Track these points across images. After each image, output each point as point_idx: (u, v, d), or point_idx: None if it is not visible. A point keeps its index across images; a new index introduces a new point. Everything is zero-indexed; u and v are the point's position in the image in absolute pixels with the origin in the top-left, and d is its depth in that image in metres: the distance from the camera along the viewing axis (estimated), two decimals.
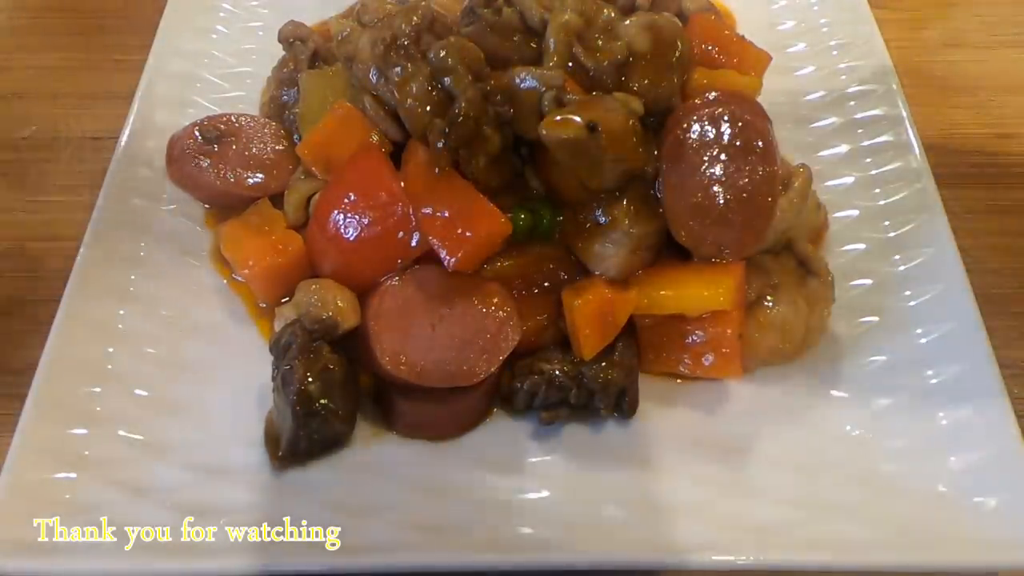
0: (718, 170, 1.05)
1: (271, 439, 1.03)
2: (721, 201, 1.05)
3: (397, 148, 1.16)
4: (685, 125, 1.07)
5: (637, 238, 1.07)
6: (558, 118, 1.03)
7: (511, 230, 1.06)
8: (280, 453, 1.01)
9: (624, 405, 1.06)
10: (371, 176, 1.10)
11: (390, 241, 1.08)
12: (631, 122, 1.06)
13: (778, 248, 1.14)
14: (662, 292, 1.08)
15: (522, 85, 1.07)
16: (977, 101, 1.51)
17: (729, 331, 1.07)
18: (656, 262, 1.12)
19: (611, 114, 1.05)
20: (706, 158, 1.06)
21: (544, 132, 1.04)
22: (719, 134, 1.06)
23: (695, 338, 1.08)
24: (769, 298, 1.10)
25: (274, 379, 1.03)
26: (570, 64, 1.11)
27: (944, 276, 1.16)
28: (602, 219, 1.08)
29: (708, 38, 1.23)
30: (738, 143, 1.06)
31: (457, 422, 1.06)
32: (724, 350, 1.07)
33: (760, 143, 1.06)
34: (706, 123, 1.07)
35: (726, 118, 1.06)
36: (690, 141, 1.07)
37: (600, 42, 1.11)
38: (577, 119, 1.02)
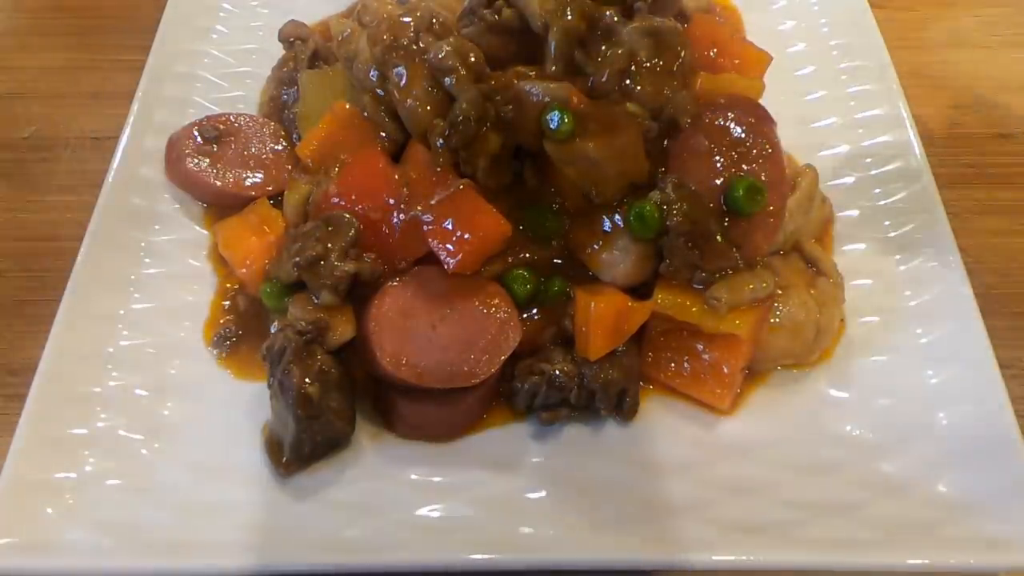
0: (726, 175, 1.05)
1: (272, 447, 1.03)
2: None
3: (397, 148, 1.16)
4: (692, 132, 1.07)
5: (644, 246, 1.07)
6: (564, 128, 1.02)
7: (511, 232, 1.05)
8: (285, 459, 1.01)
9: (625, 406, 1.06)
10: (371, 176, 1.10)
11: (390, 242, 1.09)
12: (639, 136, 1.06)
13: (786, 248, 1.14)
14: (686, 300, 1.06)
15: (527, 95, 1.06)
16: (977, 101, 1.51)
17: (734, 362, 1.06)
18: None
19: (619, 127, 1.05)
20: (713, 164, 1.06)
21: (550, 148, 1.04)
22: (726, 140, 1.06)
23: (700, 355, 1.08)
24: (779, 299, 1.10)
25: (270, 386, 1.03)
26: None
27: (944, 276, 1.16)
28: (608, 227, 1.08)
29: (709, 39, 1.22)
30: (744, 148, 1.06)
31: (457, 423, 1.06)
32: (724, 379, 1.06)
33: (767, 147, 1.06)
34: (712, 130, 1.07)
35: (732, 124, 1.06)
36: (697, 148, 1.06)
37: (602, 47, 1.10)
38: (586, 140, 1.02)
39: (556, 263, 1.12)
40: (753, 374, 1.12)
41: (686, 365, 1.09)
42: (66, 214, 1.32)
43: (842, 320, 1.14)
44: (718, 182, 1.05)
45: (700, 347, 1.08)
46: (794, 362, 1.12)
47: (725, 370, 1.06)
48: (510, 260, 1.09)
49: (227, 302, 1.17)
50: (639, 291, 1.10)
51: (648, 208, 1.03)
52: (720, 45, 1.23)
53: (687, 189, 1.04)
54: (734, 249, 1.06)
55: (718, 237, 1.05)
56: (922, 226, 1.22)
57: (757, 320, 1.06)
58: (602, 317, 1.04)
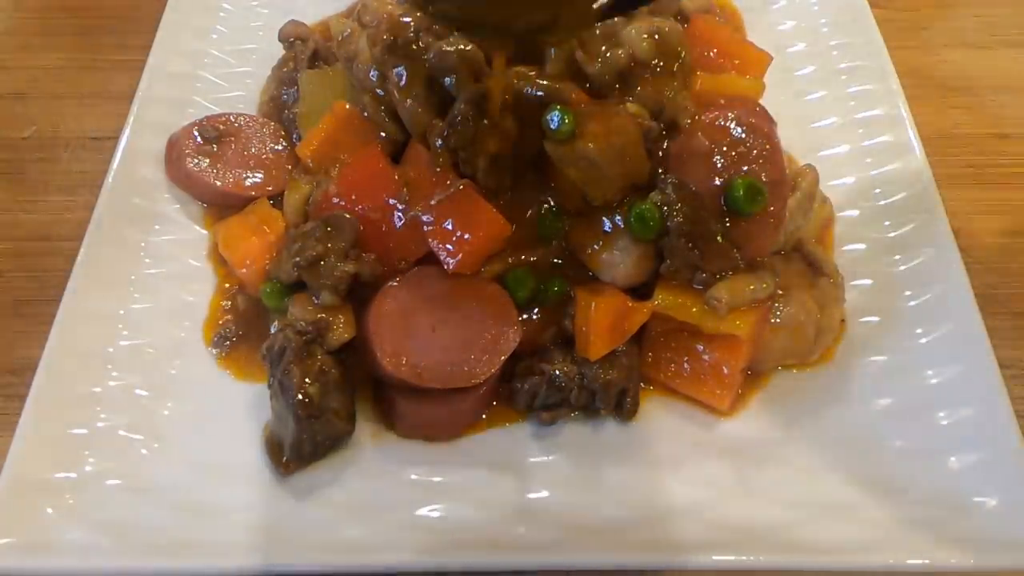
0: (727, 176, 1.05)
1: (273, 447, 1.03)
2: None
3: (397, 148, 1.16)
4: (692, 133, 1.07)
5: (644, 246, 1.07)
6: (564, 129, 1.02)
7: (511, 232, 1.05)
8: (285, 459, 1.01)
9: (625, 406, 1.06)
10: (371, 176, 1.10)
11: (390, 242, 1.09)
12: (639, 137, 1.06)
13: (787, 249, 1.14)
14: (686, 300, 1.06)
15: (527, 96, 1.06)
16: (977, 101, 1.51)
17: (733, 363, 1.06)
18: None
19: (620, 127, 1.05)
20: (714, 164, 1.05)
21: (551, 148, 1.04)
22: (726, 140, 1.06)
23: (700, 356, 1.07)
24: (779, 299, 1.09)
25: (270, 386, 1.03)
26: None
27: (944, 276, 1.16)
28: (608, 227, 1.08)
29: (708, 40, 1.22)
30: (744, 148, 1.06)
31: (457, 422, 1.06)
32: (724, 379, 1.06)
33: (767, 147, 1.06)
34: (712, 130, 1.07)
35: (732, 125, 1.06)
36: (697, 148, 1.06)
37: (603, 47, 1.10)
38: (587, 140, 1.02)
39: (556, 263, 1.12)
40: (754, 375, 1.12)
41: (686, 365, 1.08)
42: (66, 214, 1.31)
43: (843, 320, 1.14)
44: (718, 182, 1.05)
45: (700, 348, 1.08)
46: (795, 362, 1.12)
47: (725, 371, 1.06)
48: (510, 261, 1.09)
49: (227, 302, 1.17)
50: (639, 291, 1.10)
51: (648, 209, 1.03)
52: (720, 45, 1.23)
53: (687, 189, 1.04)
54: (735, 250, 1.06)
55: (719, 238, 1.05)
56: (922, 226, 1.22)
57: (757, 320, 1.06)
58: (602, 317, 1.04)
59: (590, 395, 1.06)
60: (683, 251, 1.04)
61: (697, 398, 1.08)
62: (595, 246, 1.09)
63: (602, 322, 1.04)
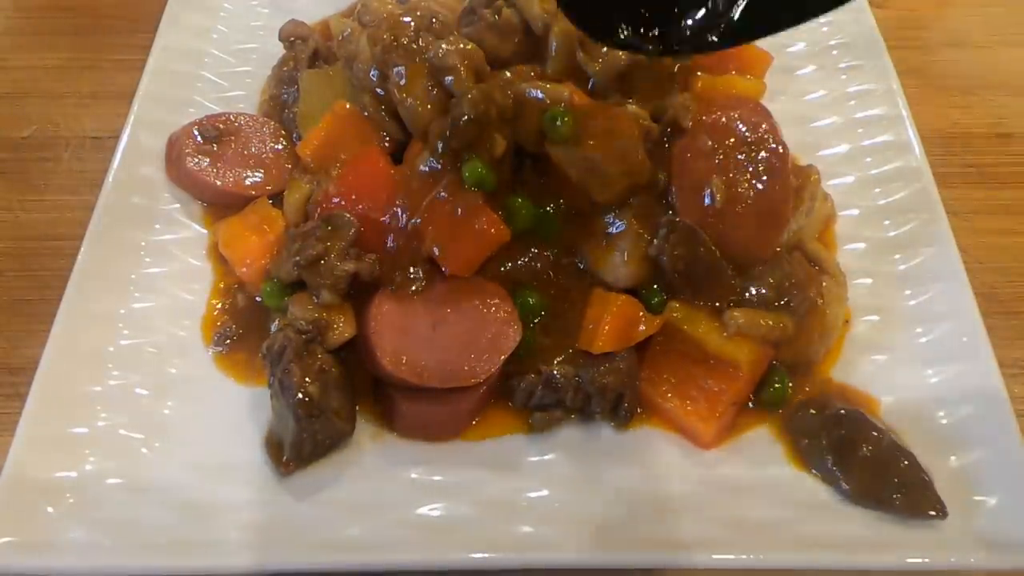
0: (731, 176, 1.05)
1: (273, 446, 1.03)
2: (738, 207, 1.06)
3: (397, 148, 1.16)
4: (695, 133, 1.07)
5: (647, 247, 1.07)
6: (565, 130, 1.02)
7: (509, 237, 1.05)
8: (285, 459, 1.01)
9: (622, 411, 1.05)
10: (371, 177, 1.10)
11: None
12: (640, 137, 1.06)
13: (789, 248, 1.14)
14: (699, 314, 1.06)
15: (527, 96, 1.06)
16: (977, 101, 1.51)
17: (729, 394, 1.03)
18: None
19: (620, 128, 1.05)
20: (717, 165, 1.05)
21: (551, 149, 1.03)
22: (729, 141, 1.06)
23: (697, 379, 1.05)
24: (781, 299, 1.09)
25: (271, 385, 1.03)
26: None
27: (944, 276, 1.16)
28: (612, 229, 1.08)
29: None
30: (748, 149, 1.06)
31: (457, 422, 1.06)
32: (714, 413, 1.03)
33: (772, 145, 1.06)
34: (715, 130, 1.06)
35: (734, 124, 1.06)
36: (700, 149, 1.06)
37: (603, 47, 1.10)
38: (587, 141, 1.02)
39: (555, 264, 1.12)
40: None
41: (679, 386, 1.06)
42: (66, 214, 1.31)
43: (846, 320, 1.14)
44: (723, 181, 1.05)
45: (698, 372, 1.05)
46: (799, 359, 1.11)
47: (717, 403, 1.03)
48: (513, 265, 1.09)
49: (227, 301, 1.17)
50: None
51: (657, 296, 1.07)
52: None
53: (685, 231, 1.04)
54: (734, 278, 1.07)
55: (718, 267, 1.06)
56: (922, 226, 1.22)
57: (758, 357, 1.05)
58: (618, 316, 1.04)
59: (586, 398, 1.06)
60: (683, 288, 1.06)
61: (680, 421, 1.06)
62: (598, 247, 1.08)
63: (615, 321, 1.04)
